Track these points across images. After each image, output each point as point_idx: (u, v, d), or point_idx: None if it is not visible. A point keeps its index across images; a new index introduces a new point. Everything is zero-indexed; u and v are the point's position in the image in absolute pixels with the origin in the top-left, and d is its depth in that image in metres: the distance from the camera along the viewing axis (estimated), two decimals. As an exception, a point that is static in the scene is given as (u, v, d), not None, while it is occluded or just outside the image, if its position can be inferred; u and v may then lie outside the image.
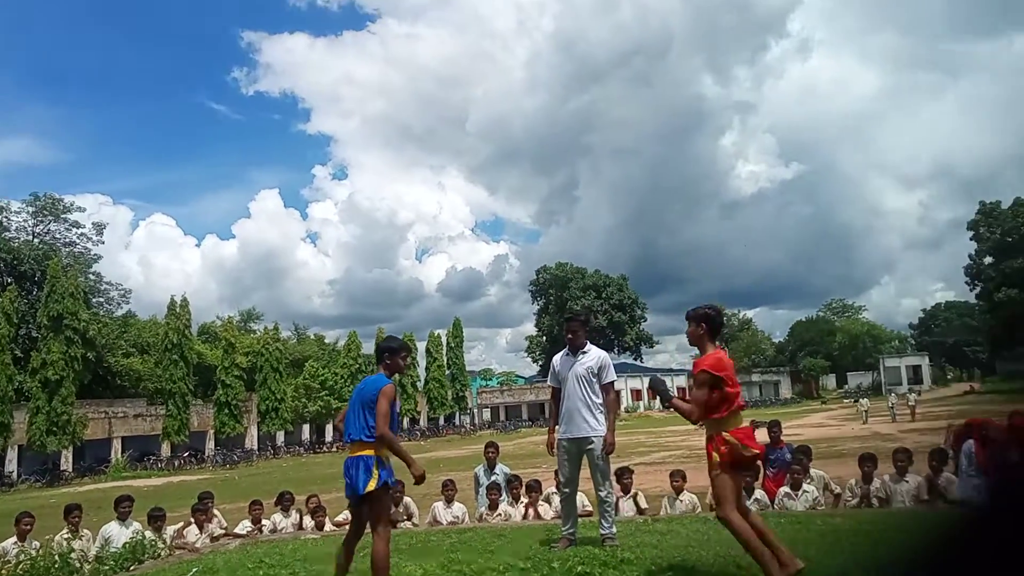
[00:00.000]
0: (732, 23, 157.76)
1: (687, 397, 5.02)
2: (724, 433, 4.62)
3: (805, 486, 8.22)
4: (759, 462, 8.70)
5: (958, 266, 69.67)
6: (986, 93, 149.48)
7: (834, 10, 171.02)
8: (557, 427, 6.39)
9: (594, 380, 6.24)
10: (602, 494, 6.13)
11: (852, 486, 8.40)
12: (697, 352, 5.01)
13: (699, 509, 8.53)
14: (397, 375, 5.52)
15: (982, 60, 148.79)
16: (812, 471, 8.57)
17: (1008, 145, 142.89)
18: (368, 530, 5.13)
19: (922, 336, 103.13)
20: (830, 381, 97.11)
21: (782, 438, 9.32)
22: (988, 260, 63.36)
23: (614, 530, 6.13)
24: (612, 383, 6.36)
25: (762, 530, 4.53)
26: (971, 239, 64.82)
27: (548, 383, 6.73)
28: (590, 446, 6.12)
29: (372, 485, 4.93)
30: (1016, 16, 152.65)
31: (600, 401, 6.21)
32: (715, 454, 4.62)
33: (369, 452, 5.01)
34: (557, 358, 6.55)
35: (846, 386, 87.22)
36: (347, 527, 9.20)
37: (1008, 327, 61.07)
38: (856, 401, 47.11)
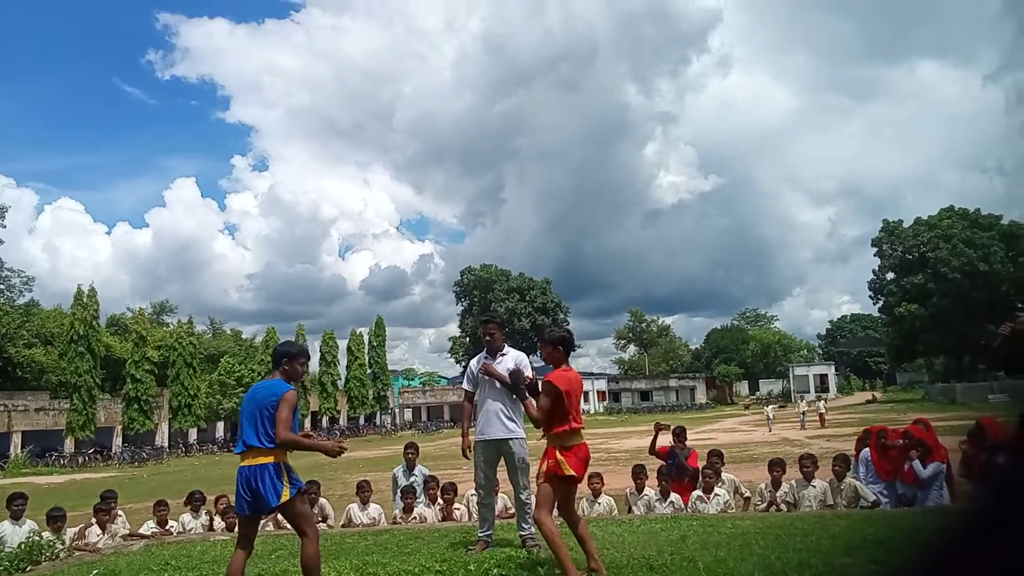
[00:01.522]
0: (656, 35, 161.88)
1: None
2: (557, 449, 5.08)
3: (717, 490, 8.45)
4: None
5: (863, 280, 72.97)
6: (890, 116, 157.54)
7: (752, 28, 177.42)
8: (472, 429, 6.38)
9: None
10: (523, 496, 6.14)
11: (762, 490, 8.68)
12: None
13: (615, 511, 8.68)
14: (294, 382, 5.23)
15: (887, 85, 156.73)
16: (724, 475, 8.82)
17: (909, 167, 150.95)
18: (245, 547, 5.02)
19: (829, 346, 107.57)
20: (743, 387, 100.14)
21: (686, 444, 9.53)
22: (890, 276, 66.37)
23: (533, 530, 6.07)
24: None
25: (585, 537, 5.07)
26: (875, 255, 67.82)
27: (464, 386, 6.64)
28: (507, 448, 6.11)
29: (286, 495, 4.76)
30: (919, 43, 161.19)
31: (518, 402, 6.13)
32: (544, 464, 5.13)
33: (268, 459, 4.77)
34: (475, 361, 6.52)
35: (758, 392, 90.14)
36: (260, 527, 9.01)
37: (908, 340, 64.24)
38: (763, 407, 48.84)
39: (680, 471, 8.97)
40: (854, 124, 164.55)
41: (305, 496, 5.11)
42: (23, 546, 7.28)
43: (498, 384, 6.11)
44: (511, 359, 6.32)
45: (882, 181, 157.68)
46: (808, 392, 71.36)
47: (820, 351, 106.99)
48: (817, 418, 40.23)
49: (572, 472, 5.03)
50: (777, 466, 8.59)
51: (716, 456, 8.86)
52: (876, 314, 79.01)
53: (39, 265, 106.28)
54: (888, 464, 8.48)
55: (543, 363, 6.00)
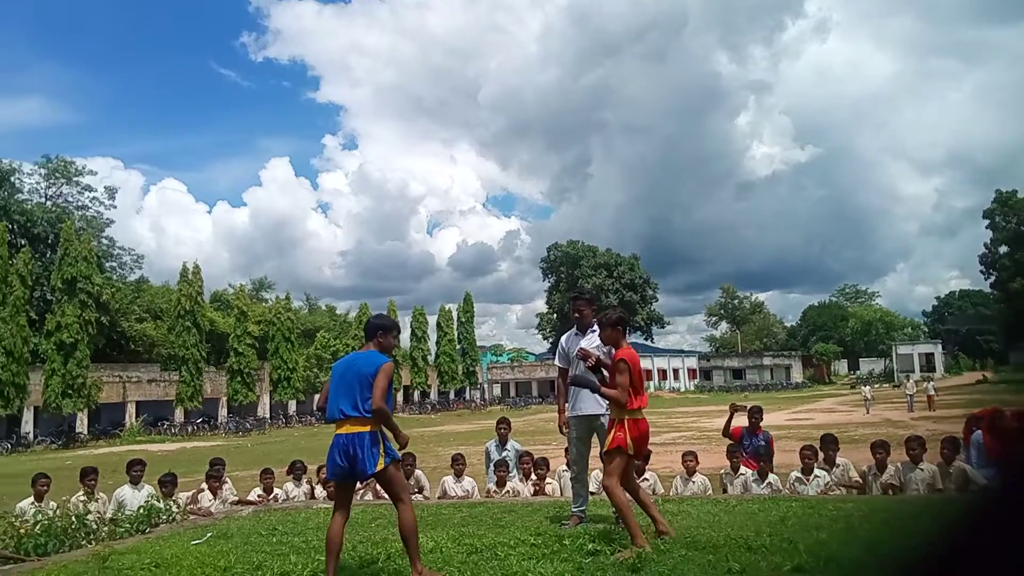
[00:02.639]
0: (749, 1, 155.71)
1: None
2: (625, 424, 5.43)
3: (816, 471, 8.21)
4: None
5: (973, 254, 69.18)
6: (1003, 80, 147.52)
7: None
8: (567, 405, 6.39)
9: (604, 358, 6.18)
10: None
11: (864, 472, 8.38)
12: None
13: (710, 491, 8.55)
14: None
15: (999, 47, 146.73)
16: (838, 459, 8.45)
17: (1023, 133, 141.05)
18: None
19: (935, 324, 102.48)
20: (842, 367, 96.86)
21: (761, 424, 9.23)
22: (1003, 249, 62.80)
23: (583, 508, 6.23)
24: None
25: (647, 503, 5.57)
26: (987, 227, 64.31)
27: (556, 363, 6.70)
28: (601, 424, 6.09)
29: (382, 463, 4.83)
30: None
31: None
32: (623, 435, 5.40)
33: (366, 428, 4.85)
34: (565, 338, 6.58)
35: (858, 372, 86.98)
36: (360, 495, 9.30)
37: (1022, 317, 60.61)
38: (860, 387, 45.89)
39: (757, 451, 8.73)
40: (962, 89, 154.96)
41: (400, 465, 5.18)
42: (142, 509, 7.74)
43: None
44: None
45: (994, 149, 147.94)
46: (913, 371, 68.40)
47: (926, 329, 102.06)
48: (925, 400, 37.04)
49: (633, 449, 5.43)
50: (881, 448, 8.25)
51: (831, 442, 8.52)
52: (987, 290, 74.96)
53: (147, 243, 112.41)
54: (1003, 447, 8.03)
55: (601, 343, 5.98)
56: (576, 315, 6.49)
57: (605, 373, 5.65)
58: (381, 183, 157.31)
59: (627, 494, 5.45)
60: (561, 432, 6.48)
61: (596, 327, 6.37)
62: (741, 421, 9.12)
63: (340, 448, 4.87)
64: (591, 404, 6.11)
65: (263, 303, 68.93)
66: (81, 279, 44.89)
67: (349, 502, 5.17)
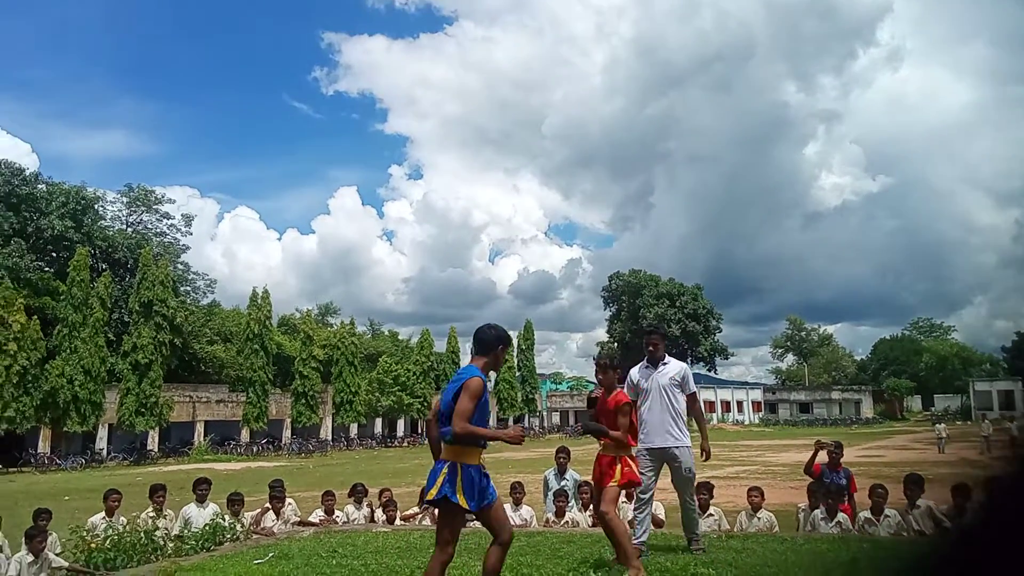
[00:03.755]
0: (818, 30, 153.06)
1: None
2: (628, 459, 5.81)
3: (887, 511, 7.88)
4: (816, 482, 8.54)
5: (1059, 288, 66.06)
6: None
7: (924, 19, 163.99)
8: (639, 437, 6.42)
9: (677, 391, 6.32)
10: (690, 504, 6.29)
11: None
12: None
13: (776, 528, 8.28)
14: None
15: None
16: (921, 500, 8.03)
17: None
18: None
19: (1016, 360, 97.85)
20: (915, 403, 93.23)
21: (841, 462, 8.91)
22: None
23: (700, 534, 6.34)
24: (695, 393, 6.52)
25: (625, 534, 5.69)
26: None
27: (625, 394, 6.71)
28: (672, 456, 6.18)
29: (462, 501, 4.30)
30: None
31: (683, 410, 6.30)
32: (619, 470, 5.73)
33: (450, 457, 4.37)
34: (635, 370, 6.62)
35: (932, 408, 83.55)
36: (419, 520, 9.31)
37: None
38: (933, 425, 42.65)
39: (835, 493, 8.41)
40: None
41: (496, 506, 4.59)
42: (207, 527, 7.90)
43: (662, 393, 6.30)
44: (674, 368, 6.44)
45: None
46: (992, 409, 65.38)
47: (1005, 365, 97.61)
48: (985, 444, 32.08)
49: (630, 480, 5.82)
50: (960, 492, 7.84)
51: (914, 482, 8.06)
52: (1072, 326, 71.31)
53: (219, 269, 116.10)
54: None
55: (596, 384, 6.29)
56: (651, 348, 6.58)
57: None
58: (445, 212, 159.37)
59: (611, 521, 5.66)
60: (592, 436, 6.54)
61: (668, 360, 6.52)
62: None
63: (432, 473, 4.43)
64: (667, 438, 6.21)
65: (328, 328, 70.22)
66: (157, 302, 46.53)
67: (490, 528, 4.56)
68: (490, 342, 4.65)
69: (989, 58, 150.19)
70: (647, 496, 6.29)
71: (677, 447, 6.16)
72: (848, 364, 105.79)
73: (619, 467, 5.72)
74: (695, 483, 6.43)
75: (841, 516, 7.95)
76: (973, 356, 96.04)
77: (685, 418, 6.32)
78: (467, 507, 4.28)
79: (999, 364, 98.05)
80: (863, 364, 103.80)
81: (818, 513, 8.14)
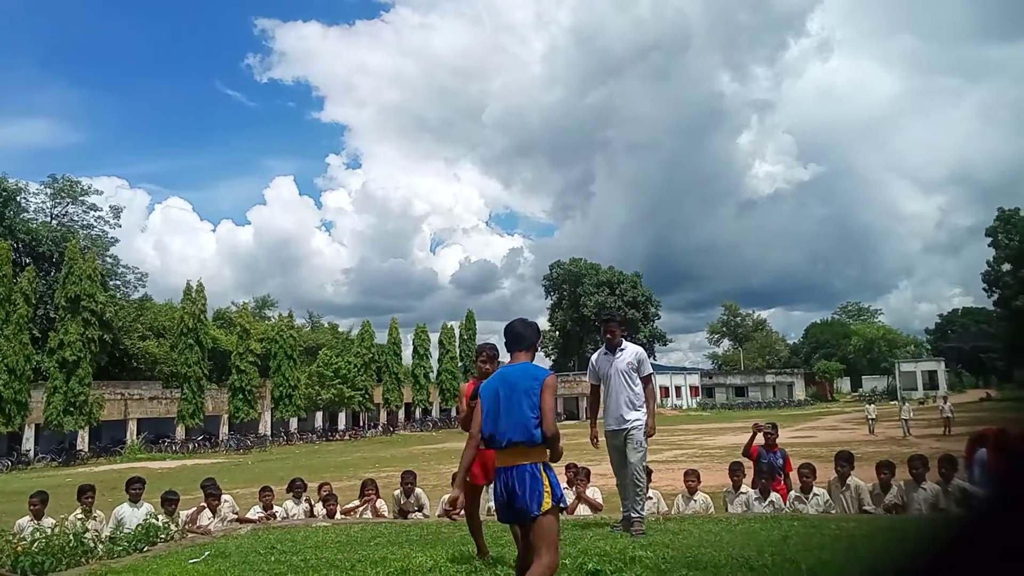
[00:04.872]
0: (751, 21, 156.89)
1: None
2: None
3: (816, 489, 8.16)
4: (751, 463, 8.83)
5: (976, 272, 69.17)
6: (1006, 98, 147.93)
7: (853, 10, 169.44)
8: (599, 421, 6.79)
9: (634, 374, 6.63)
10: (637, 476, 6.49)
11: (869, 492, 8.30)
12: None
13: (711, 509, 8.50)
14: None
15: (1002, 64, 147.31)
16: (851, 479, 8.25)
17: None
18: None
19: (938, 342, 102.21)
20: (845, 384, 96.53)
21: (777, 443, 9.25)
22: (1006, 267, 62.83)
23: (642, 514, 6.53)
24: (650, 375, 6.79)
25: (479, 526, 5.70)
26: (989, 245, 64.39)
27: (588, 380, 7.17)
28: (627, 431, 6.50)
29: (548, 503, 4.04)
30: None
31: (640, 393, 6.61)
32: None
33: (531, 460, 4.13)
34: (595, 357, 6.93)
35: (860, 389, 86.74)
36: (359, 514, 9.25)
37: (1026, 334, 60.58)
38: (865, 405, 43.46)
39: (770, 472, 8.70)
40: (965, 107, 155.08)
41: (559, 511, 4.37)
42: (140, 528, 7.70)
43: (620, 377, 6.58)
44: (630, 353, 6.74)
45: (997, 167, 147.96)
46: (916, 389, 68.10)
47: (928, 347, 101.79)
48: (941, 423, 32.01)
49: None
50: (885, 468, 8.17)
51: (845, 459, 8.37)
52: (990, 308, 74.75)
53: (151, 262, 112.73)
54: (1007, 466, 7.96)
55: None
56: (608, 335, 6.84)
57: None
58: (384, 201, 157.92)
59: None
60: (594, 446, 6.77)
61: (625, 345, 6.82)
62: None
63: (503, 484, 4.18)
64: (621, 419, 6.54)
65: (266, 321, 69.02)
66: (85, 297, 44.92)
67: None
68: (532, 336, 4.63)
69: (915, 49, 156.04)
70: (621, 475, 6.61)
71: (631, 422, 6.49)
72: (781, 348, 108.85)
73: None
74: (645, 458, 6.65)
75: (774, 496, 8.21)
76: (899, 338, 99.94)
77: (642, 399, 6.60)
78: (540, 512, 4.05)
79: (923, 346, 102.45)
80: (795, 348, 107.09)
81: (751, 493, 8.39)
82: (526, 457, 4.13)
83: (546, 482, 4.07)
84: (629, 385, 6.57)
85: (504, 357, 5.17)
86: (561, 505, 4.32)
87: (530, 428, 4.13)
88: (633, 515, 6.44)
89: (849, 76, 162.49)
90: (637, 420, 6.51)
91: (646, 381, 6.72)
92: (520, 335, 4.57)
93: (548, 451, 4.21)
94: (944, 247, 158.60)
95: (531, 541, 4.09)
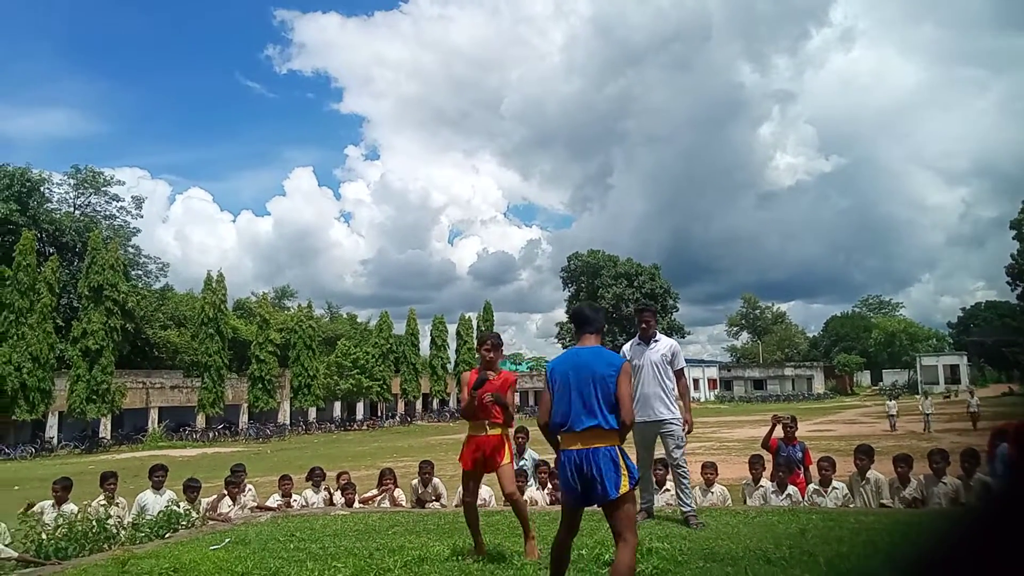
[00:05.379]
0: (773, 11, 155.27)
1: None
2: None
3: (835, 483, 8.12)
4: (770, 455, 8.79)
5: (1000, 265, 68.21)
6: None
7: (876, 0, 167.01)
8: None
9: (668, 367, 6.60)
10: (681, 471, 6.55)
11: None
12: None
13: (729, 501, 8.48)
14: None
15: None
16: (871, 473, 8.20)
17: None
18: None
19: (960, 335, 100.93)
20: (865, 378, 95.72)
21: (796, 436, 9.19)
22: (1031, 260, 61.88)
23: (693, 507, 6.57)
24: (683, 369, 6.78)
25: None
26: (1014, 238, 63.33)
27: None
28: (666, 429, 6.48)
29: (625, 486, 4.03)
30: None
31: (673, 387, 6.59)
32: (507, 450, 5.73)
33: (607, 443, 4.11)
34: (628, 346, 6.89)
35: (881, 383, 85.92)
36: (377, 503, 9.32)
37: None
38: (887, 401, 42.90)
39: (793, 462, 8.67)
40: (989, 98, 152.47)
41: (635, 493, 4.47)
42: (162, 514, 7.81)
43: (654, 369, 6.54)
44: (664, 346, 6.72)
45: (1021, 158, 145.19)
46: (937, 383, 67.37)
47: (950, 340, 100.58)
48: (968, 418, 30.89)
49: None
50: (903, 462, 8.11)
51: (864, 452, 8.32)
52: (1014, 301, 73.70)
53: (172, 252, 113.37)
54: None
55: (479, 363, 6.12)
56: (643, 325, 6.83)
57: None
58: (403, 193, 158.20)
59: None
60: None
61: (659, 337, 6.79)
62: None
63: (574, 466, 4.13)
64: (659, 411, 6.50)
65: (285, 311, 69.45)
66: (107, 287, 45.42)
67: (579, 522, 4.42)
68: (600, 320, 4.64)
69: (938, 39, 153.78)
70: (644, 468, 6.56)
71: (670, 420, 6.47)
72: (800, 341, 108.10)
73: (507, 446, 5.73)
74: (684, 457, 6.68)
75: (791, 489, 8.17)
76: (920, 332, 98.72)
77: (675, 393, 6.59)
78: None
79: (945, 339, 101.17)
80: (815, 341, 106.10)
81: (769, 486, 8.36)
82: (602, 440, 4.11)
83: (623, 465, 4.07)
84: (662, 378, 6.54)
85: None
86: (636, 480, 4.31)
87: (607, 413, 4.13)
88: (686, 509, 6.50)
89: (871, 66, 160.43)
90: (674, 416, 6.50)
91: (679, 375, 6.70)
92: (589, 318, 4.57)
93: (621, 436, 4.22)
94: (968, 239, 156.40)
95: (612, 525, 4.09)
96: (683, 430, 6.54)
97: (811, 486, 8.32)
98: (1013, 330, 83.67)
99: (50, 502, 8.56)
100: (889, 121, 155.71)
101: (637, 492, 4.98)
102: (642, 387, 6.53)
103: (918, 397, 48.26)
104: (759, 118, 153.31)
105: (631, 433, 6.51)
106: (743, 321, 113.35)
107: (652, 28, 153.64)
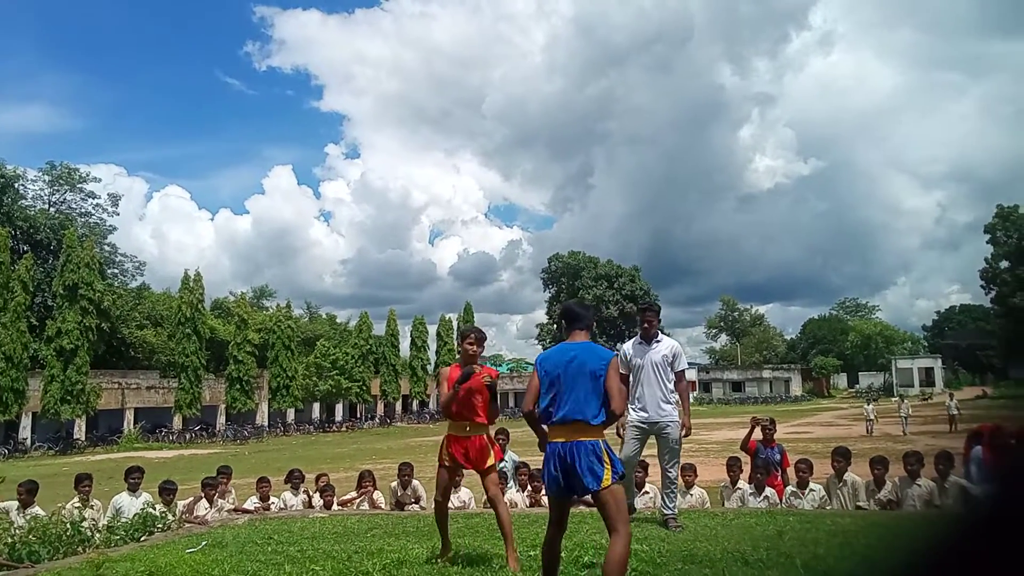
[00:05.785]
0: (753, 13, 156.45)
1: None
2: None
3: (812, 485, 8.19)
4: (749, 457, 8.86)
5: (974, 269, 69.15)
6: (1007, 94, 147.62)
7: (855, 4, 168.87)
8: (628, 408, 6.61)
9: (668, 368, 6.59)
10: (671, 475, 6.55)
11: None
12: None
13: (707, 504, 8.53)
14: None
15: (1004, 60, 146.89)
16: (848, 475, 8.27)
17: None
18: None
19: (935, 338, 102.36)
20: (841, 380, 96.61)
21: (775, 438, 9.27)
22: (1004, 264, 62.84)
23: (675, 511, 6.58)
24: (684, 371, 6.77)
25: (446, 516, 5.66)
26: (988, 242, 64.31)
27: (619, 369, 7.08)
28: (665, 430, 6.49)
29: (608, 479, 4.08)
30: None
31: (672, 388, 6.58)
32: (492, 450, 5.67)
33: (591, 436, 4.17)
34: (628, 345, 6.91)
35: (857, 386, 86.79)
36: (356, 505, 9.27)
37: (1023, 332, 60.66)
38: (864, 405, 43.36)
39: (770, 464, 8.74)
40: (966, 103, 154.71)
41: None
42: (138, 517, 7.72)
43: (655, 369, 6.52)
44: (666, 346, 6.70)
45: (997, 163, 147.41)
46: (912, 386, 68.17)
47: (925, 343, 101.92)
48: (947, 420, 32.14)
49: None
50: (879, 464, 8.20)
51: (841, 455, 8.38)
52: (988, 305, 74.78)
53: (148, 250, 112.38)
54: (1002, 463, 7.96)
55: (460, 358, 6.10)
56: (645, 325, 6.81)
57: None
58: (383, 192, 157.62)
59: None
60: (618, 435, 6.64)
61: (660, 337, 6.78)
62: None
63: (557, 458, 4.19)
64: (659, 411, 6.49)
65: (264, 311, 68.93)
66: (82, 285, 44.89)
67: (567, 517, 4.50)
68: (590, 317, 4.68)
69: (916, 43, 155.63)
70: (631, 466, 6.58)
71: (668, 421, 6.47)
72: (778, 343, 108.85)
73: (494, 448, 5.67)
74: (679, 458, 6.73)
75: (769, 491, 8.24)
76: (896, 335, 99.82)
77: (675, 396, 6.58)
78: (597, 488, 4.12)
79: (920, 342, 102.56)
80: (793, 343, 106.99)
81: (747, 488, 8.41)
82: (586, 434, 4.17)
83: (607, 458, 4.12)
84: (662, 378, 6.53)
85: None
86: (621, 474, 4.32)
87: (595, 406, 4.19)
88: (667, 512, 6.53)
89: (850, 70, 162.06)
90: (672, 419, 6.50)
91: (679, 377, 6.70)
92: (579, 315, 4.63)
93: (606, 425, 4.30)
94: (943, 243, 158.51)
95: (604, 518, 4.15)
96: (680, 433, 6.55)
97: (788, 488, 8.39)
98: (987, 333, 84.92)
99: (15, 504, 8.41)
100: (867, 125, 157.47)
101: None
102: (642, 387, 6.55)
103: (894, 400, 48.84)
104: (739, 120, 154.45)
105: (625, 431, 6.56)
106: (722, 323, 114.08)
107: (634, 28, 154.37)
